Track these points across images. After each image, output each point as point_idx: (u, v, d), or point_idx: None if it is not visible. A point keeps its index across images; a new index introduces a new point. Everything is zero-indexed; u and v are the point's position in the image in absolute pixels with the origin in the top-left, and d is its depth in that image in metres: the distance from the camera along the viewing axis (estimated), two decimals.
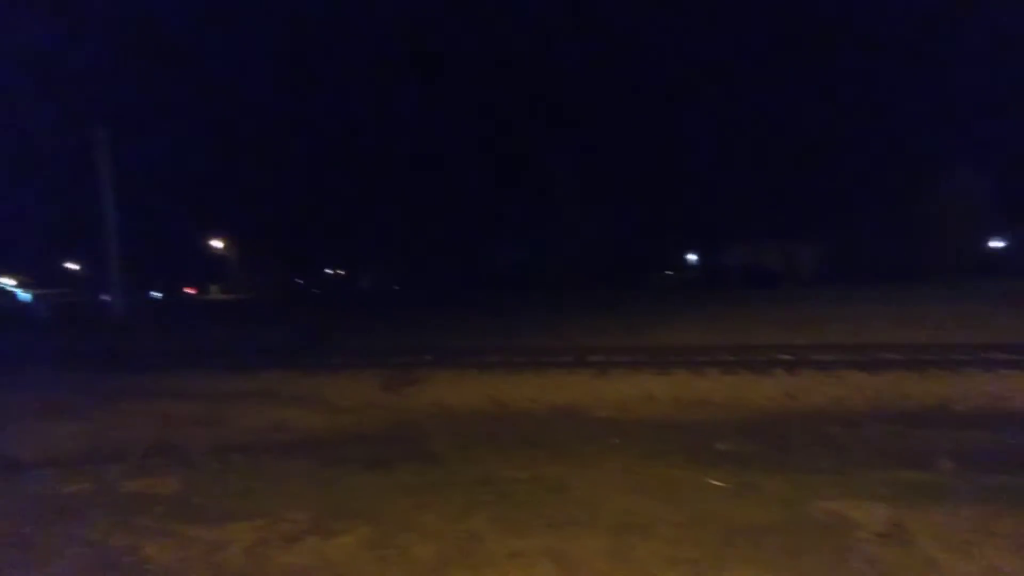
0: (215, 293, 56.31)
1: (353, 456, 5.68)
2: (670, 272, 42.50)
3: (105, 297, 27.44)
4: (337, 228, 58.87)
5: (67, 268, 52.14)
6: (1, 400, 9.10)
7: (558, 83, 57.27)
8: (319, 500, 4.21)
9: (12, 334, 19.64)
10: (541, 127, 51.81)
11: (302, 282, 63.72)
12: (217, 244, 59.71)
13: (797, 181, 41.39)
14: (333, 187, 59.15)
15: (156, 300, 47.02)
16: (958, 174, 34.15)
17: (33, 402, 8.51)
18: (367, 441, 6.52)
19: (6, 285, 44.89)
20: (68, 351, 14.77)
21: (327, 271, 70.08)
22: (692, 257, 49.74)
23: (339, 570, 3.09)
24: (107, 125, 22.77)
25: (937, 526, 3.47)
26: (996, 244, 36.89)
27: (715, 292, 29.46)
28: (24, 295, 42.52)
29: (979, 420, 6.53)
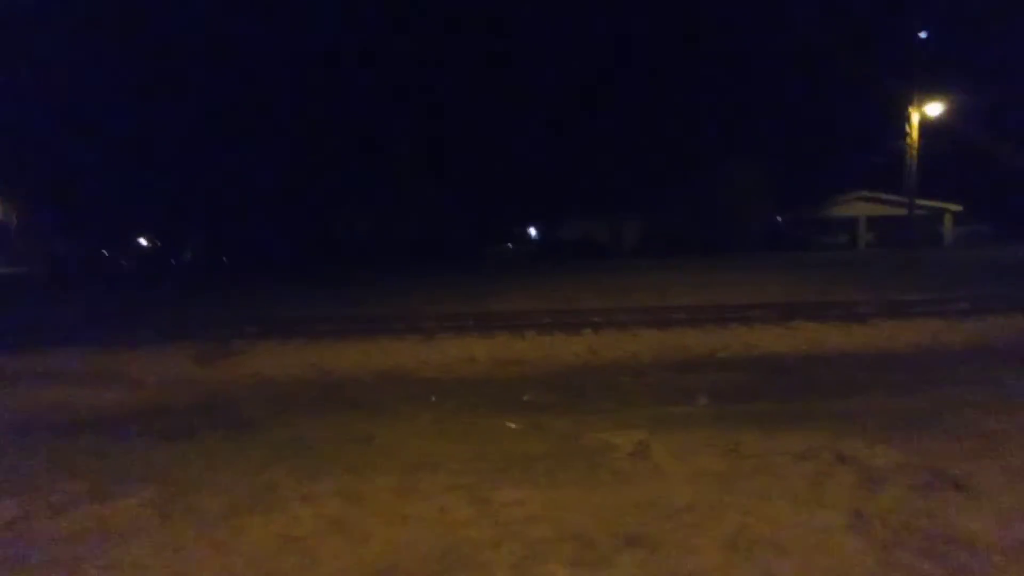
0: None
1: (152, 430, 5.38)
2: (510, 245, 44.09)
3: None
4: (153, 194, 52.12)
5: None
6: None
7: (402, 60, 55.70)
8: (100, 471, 3.98)
9: None
10: (384, 102, 50.21)
11: (105, 253, 55.87)
12: None
13: (622, 161, 44.88)
14: (144, 147, 51.93)
15: None
16: (747, 161, 39.43)
17: None
18: (171, 414, 6.16)
19: None
20: None
21: (140, 241, 62.15)
22: (532, 231, 52.08)
23: (117, 529, 3.02)
24: None
25: (674, 443, 4.24)
26: (779, 220, 43.35)
27: (550, 264, 31.26)
28: None
29: (736, 364, 7.88)
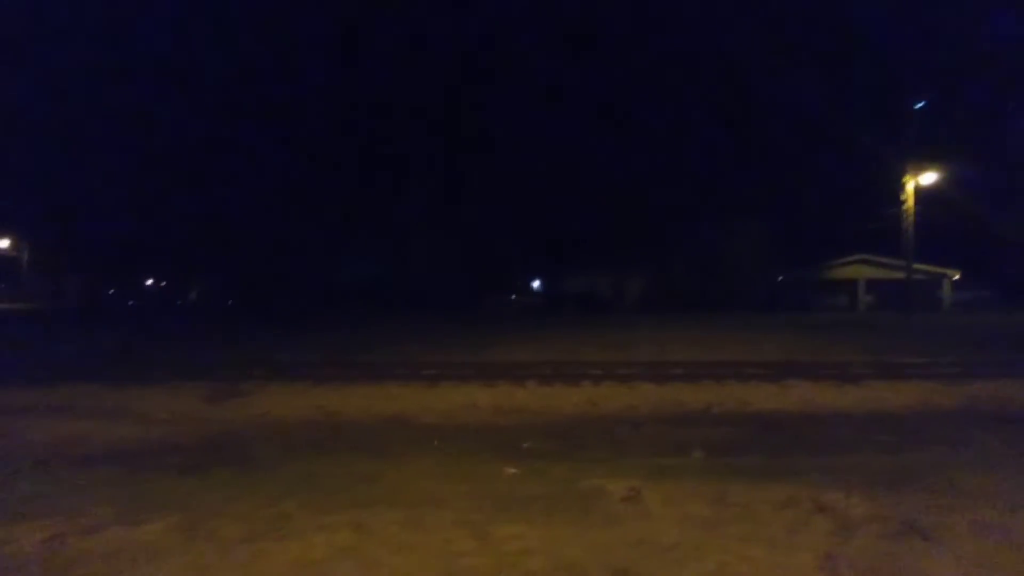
0: None
1: (165, 464, 5.63)
2: (513, 296, 44.64)
3: None
4: (162, 235, 53.20)
5: None
6: None
7: (410, 107, 57.95)
8: (124, 499, 4.24)
9: None
10: (390, 150, 51.92)
11: (113, 292, 56.53)
12: (1, 244, 51.20)
13: (627, 217, 45.95)
14: (157, 189, 53.44)
15: None
16: (749, 221, 40.31)
17: None
18: (183, 451, 6.40)
19: None
20: None
21: (148, 282, 62.97)
22: (536, 283, 52.76)
23: (146, 548, 3.27)
24: None
25: (664, 491, 4.49)
26: (780, 279, 43.87)
27: (552, 316, 31.62)
28: None
29: (729, 419, 8.10)
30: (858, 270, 40.70)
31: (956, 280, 40.31)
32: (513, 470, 5.31)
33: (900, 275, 34.48)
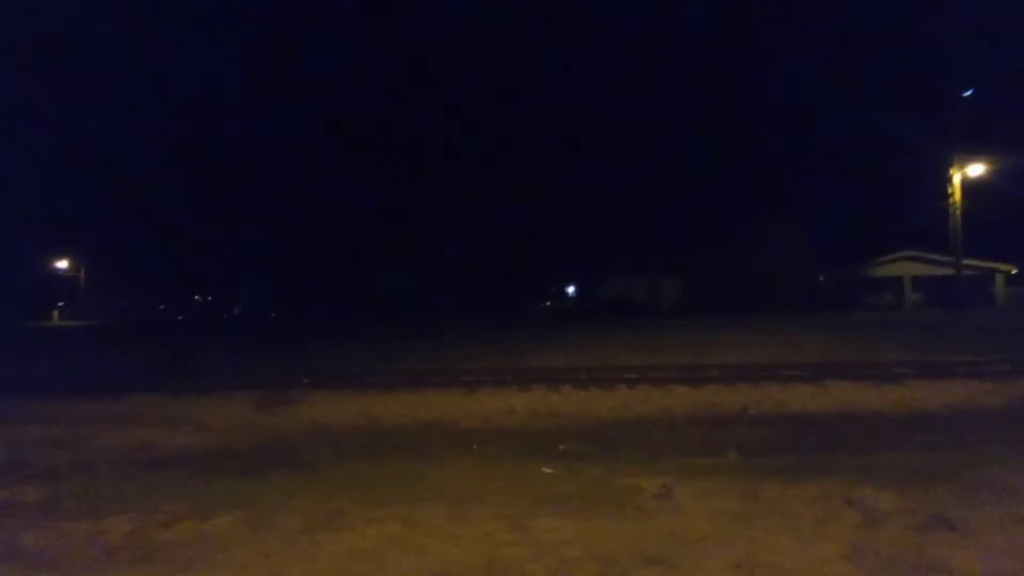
0: (56, 319, 50.68)
1: (225, 467, 6.04)
2: (548, 303, 44.78)
3: None
4: (208, 252, 55.35)
5: None
6: None
7: (449, 116, 58.94)
8: (193, 497, 4.62)
9: None
10: (426, 161, 52.86)
11: (163, 308, 59.00)
12: (62, 265, 54.10)
13: (663, 220, 45.64)
14: (202, 209, 55.71)
15: None
16: (789, 220, 39.58)
17: None
18: (240, 456, 6.82)
19: None
20: None
21: (196, 297, 65.48)
22: (571, 289, 52.78)
23: (217, 539, 3.62)
24: None
25: (697, 489, 4.63)
26: (822, 279, 42.88)
27: (587, 321, 31.65)
28: None
29: (765, 421, 8.14)
30: (904, 267, 39.47)
31: (1011, 275, 38.67)
32: (549, 470, 5.52)
33: (949, 271, 33.33)
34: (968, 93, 33.74)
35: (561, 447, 6.89)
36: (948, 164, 32.17)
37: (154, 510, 4.23)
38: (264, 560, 3.31)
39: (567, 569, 3.11)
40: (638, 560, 3.22)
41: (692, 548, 3.35)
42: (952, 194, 32.30)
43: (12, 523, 4.08)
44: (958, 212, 32.04)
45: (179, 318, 53.83)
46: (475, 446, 6.98)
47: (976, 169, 32.33)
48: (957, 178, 32.28)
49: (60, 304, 54.36)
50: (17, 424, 8.22)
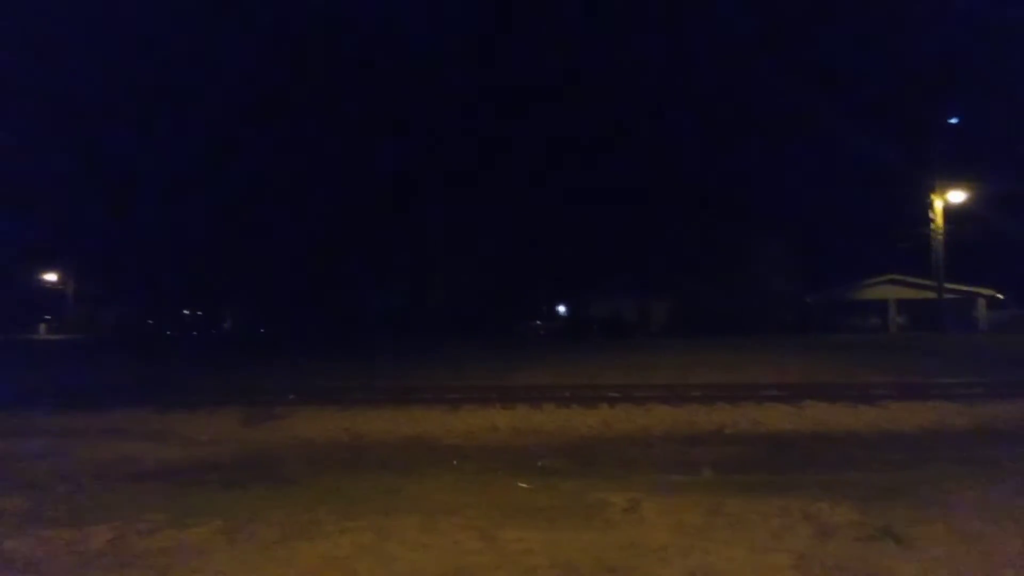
0: (43, 332, 50.28)
1: (208, 479, 6.15)
2: (538, 322, 44.96)
3: None
4: (196, 266, 55.26)
5: None
6: None
7: (434, 136, 59.50)
8: (173, 508, 4.73)
9: None
10: (416, 179, 53.28)
11: (151, 322, 58.67)
12: (50, 277, 53.82)
13: (652, 241, 46.09)
14: (192, 224, 55.72)
15: None
16: (776, 243, 40.17)
17: None
18: (223, 469, 6.92)
19: None
20: None
21: (184, 312, 65.11)
22: (561, 308, 53.01)
23: (195, 548, 3.75)
24: None
25: (664, 503, 4.81)
26: (809, 301, 43.35)
27: (576, 341, 31.83)
28: None
29: (740, 439, 8.34)
30: (889, 290, 40.03)
31: (993, 300, 39.33)
32: (525, 484, 5.67)
33: (932, 295, 33.88)
34: (954, 120, 34.62)
35: (540, 463, 7.04)
36: (930, 189, 32.92)
37: (135, 519, 4.35)
38: (240, 566, 3.45)
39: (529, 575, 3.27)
40: (598, 568, 3.38)
41: (650, 558, 3.52)
42: (934, 220, 33.00)
43: None
44: (940, 237, 32.71)
45: (167, 332, 53.51)
46: (455, 462, 7.12)
47: (957, 195, 33.08)
48: (939, 204, 33.01)
49: (47, 317, 53.97)
50: (1, 437, 8.27)
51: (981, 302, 38.81)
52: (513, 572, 3.31)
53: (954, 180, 32.87)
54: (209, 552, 3.69)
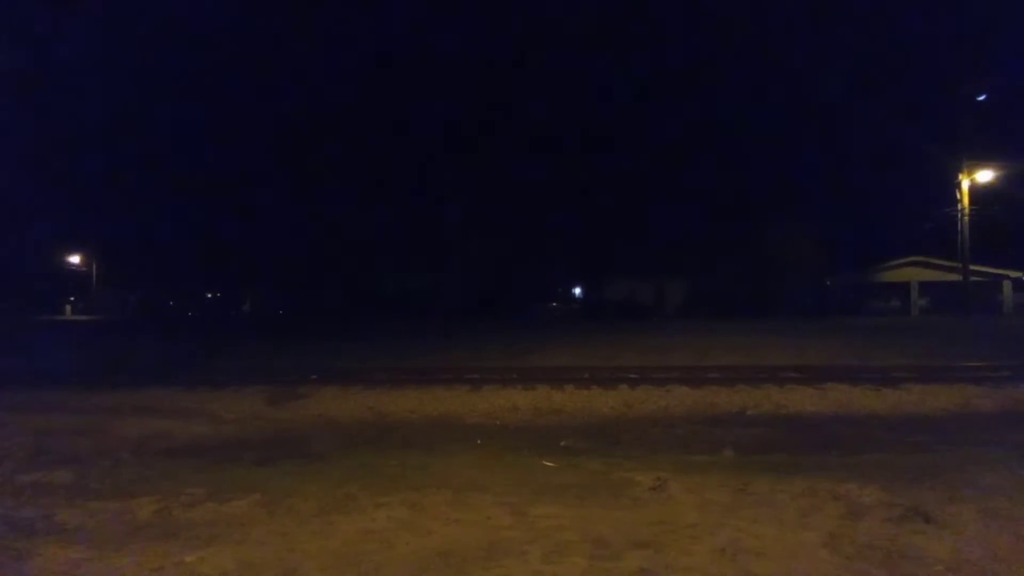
0: (68, 313, 51.41)
1: (240, 456, 6.31)
2: (554, 304, 44.99)
3: None
4: (217, 249, 56.05)
5: None
6: None
7: (456, 122, 59.32)
8: (212, 482, 4.89)
9: None
10: (437, 161, 53.21)
11: (173, 304, 59.68)
12: (74, 260, 54.84)
13: (671, 224, 45.78)
14: (214, 206, 56.38)
15: None
16: (796, 224, 39.60)
17: None
18: (253, 446, 7.08)
19: None
20: None
21: (206, 294, 66.10)
22: (577, 291, 52.99)
23: (236, 520, 3.88)
24: None
25: (690, 482, 4.85)
26: (828, 283, 42.84)
27: (593, 323, 31.84)
28: None
29: (763, 421, 8.34)
30: (911, 272, 39.36)
31: (1018, 281, 38.51)
32: (550, 463, 5.75)
33: (956, 277, 33.25)
34: (982, 98, 33.63)
35: (562, 443, 7.11)
36: (957, 169, 32.15)
37: (177, 492, 4.50)
38: (281, 538, 3.57)
39: (562, 551, 3.34)
40: (629, 544, 3.44)
41: (680, 534, 3.58)
42: (960, 200, 32.27)
43: (46, 502, 4.36)
44: (966, 219, 32.00)
45: (189, 314, 54.42)
46: (479, 440, 7.22)
47: (985, 175, 32.28)
48: (965, 184, 32.24)
49: (72, 298, 55.11)
50: (39, 414, 8.53)
51: (1007, 284, 38.03)
52: (546, 546, 3.39)
53: (982, 160, 32.03)
54: (251, 524, 3.82)
